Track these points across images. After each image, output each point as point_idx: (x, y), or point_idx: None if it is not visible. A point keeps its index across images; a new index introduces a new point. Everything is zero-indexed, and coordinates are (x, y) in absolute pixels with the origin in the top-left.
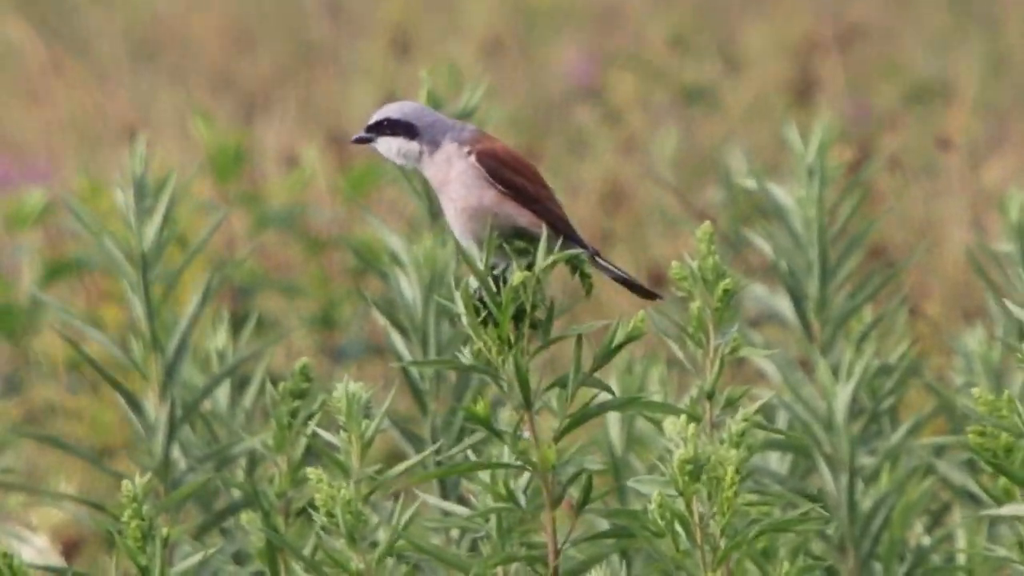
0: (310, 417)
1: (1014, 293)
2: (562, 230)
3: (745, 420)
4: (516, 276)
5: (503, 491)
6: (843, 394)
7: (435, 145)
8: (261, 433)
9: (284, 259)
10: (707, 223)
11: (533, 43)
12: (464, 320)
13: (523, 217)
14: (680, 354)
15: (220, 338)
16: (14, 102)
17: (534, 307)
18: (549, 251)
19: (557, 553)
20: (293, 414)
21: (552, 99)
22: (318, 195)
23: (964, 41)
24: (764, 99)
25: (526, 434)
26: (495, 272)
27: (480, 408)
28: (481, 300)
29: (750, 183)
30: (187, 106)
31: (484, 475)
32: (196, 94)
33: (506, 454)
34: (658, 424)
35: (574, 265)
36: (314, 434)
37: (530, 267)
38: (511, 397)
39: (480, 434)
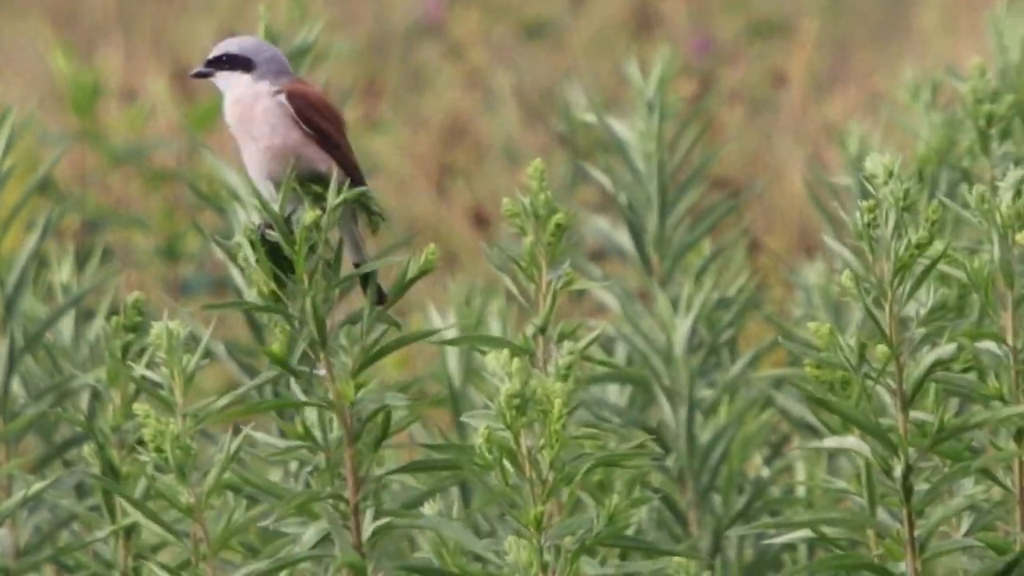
0: (142, 352)
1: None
2: (355, 178)
3: (571, 353)
4: (308, 215)
5: (301, 429)
6: (682, 326)
7: (259, 81)
8: (103, 367)
9: (129, 193)
10: (538, 160)
11: None
12: (250, 259)
13: (323, 162)
14: (514, 289)
15: (65, 271)
16: None
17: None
18: (339, 192)
19: (357, 489)
20: (126, 348)
21: (395, 34)
22: (162, 130)
23: None
24: (606, 34)
25: (322, 372)
26: (289, 213)
27: (276, 348)
28: (264, 238)
29: (590, 117)
30: (31, 37)
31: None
32: (40, 25)
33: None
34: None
35: (364, 207)
36: (140, 373)
37: (323, 209)
38: (305, 335)
39: (274, 372)
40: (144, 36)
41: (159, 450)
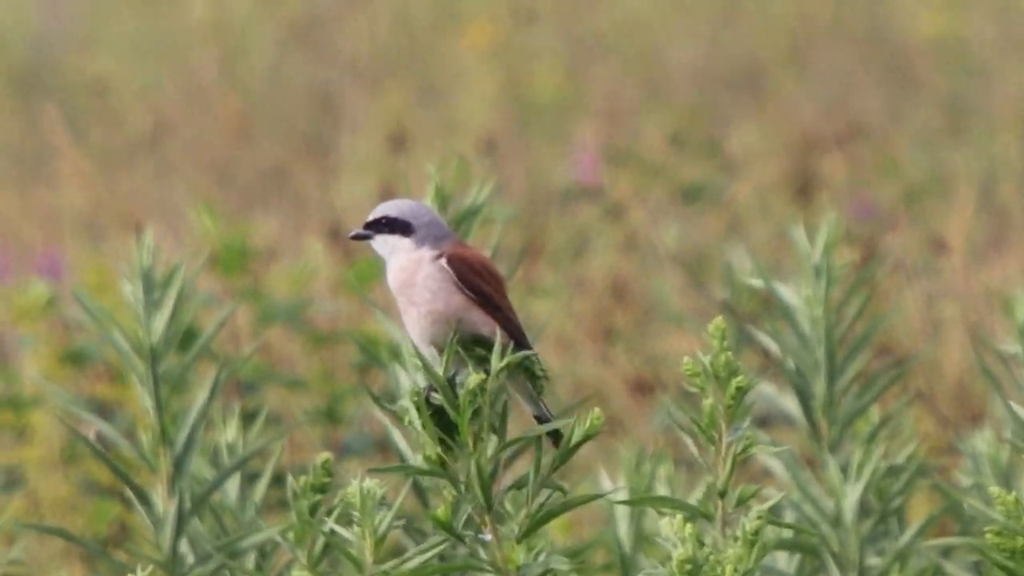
0: (330, 512)
1: (1020, 394)
2: (518, 340)
3: (759, 518)
4: (472, 379)
5: None
6: (852, 494)
7: (420, 246)
8: (271, 526)
9: (287, 353)
10: (719, 318)
11: (530, 139)
12: (415, 423)
13: (486, 325)
14: (693, 450)
15: (230, 432)
16: (16, 191)
17: (491, 409)
18: (503, 355)
19: None
20: (313, 508)
21: (551, 195)
22: (320, 289)
23: (961, 140)
24: (765, 197)
25: (488, 536)
26: (452, 376)
27: (441, 513)
28: (428, 402)
29: (756, 282)
30: (187, 198)
31: None
32: (195, 186)
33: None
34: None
35: (528, 370)
36: (331, 530)
37: (487, 372)
38: (471, 500)
39: (441, 538)
40: (301, 196)
41: None
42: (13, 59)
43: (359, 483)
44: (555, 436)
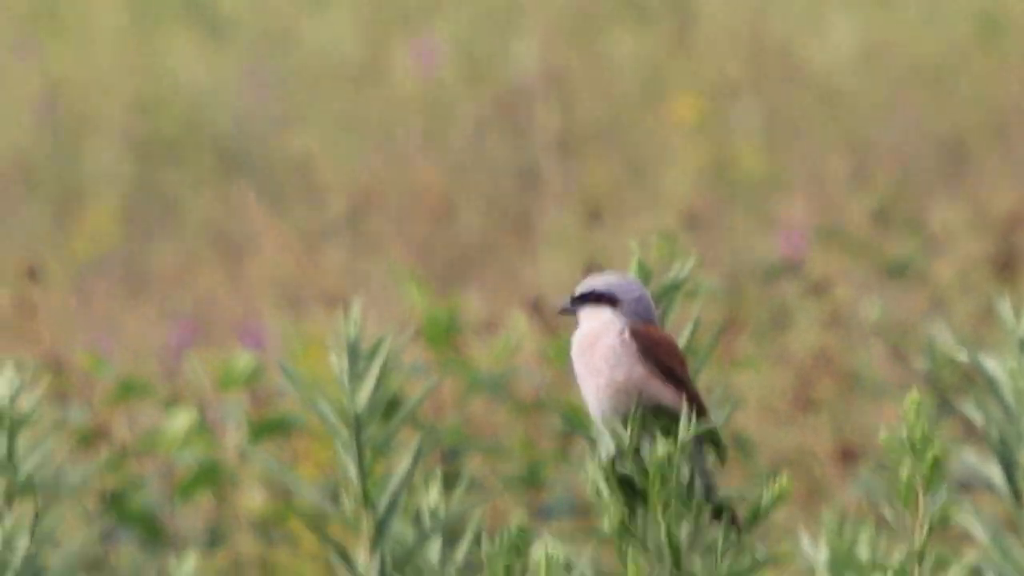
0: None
1: None
2: (703, 414)
3: None
4: (660, 448)
5: None
6: None
7: (621, 319)
8: None
9: (490, 421)
10: (915, 392)
11: (733, 214)
12: (604, 493)
13: (668, 396)
14: (889, 518)
15: (433, 495)
16: (218, 266)
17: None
18: (688, 426)
19: None
20: (507, 570)
21: (754, 271)
22: (524, 360)
23: None
24: (967, 274)
25: None
26: (637, 447)
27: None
28: (613, 471)
29: (961, 355)
30: (390, 273)
31: None
32: (398, 261)
33: None
34: None
35: (713, 441)
36: None
37: (672, 442)
38: (661, 567)
39: None
40: (503, 269)
41: None
42: (217, 136)
43: (544, 546)
44: (732, 519)
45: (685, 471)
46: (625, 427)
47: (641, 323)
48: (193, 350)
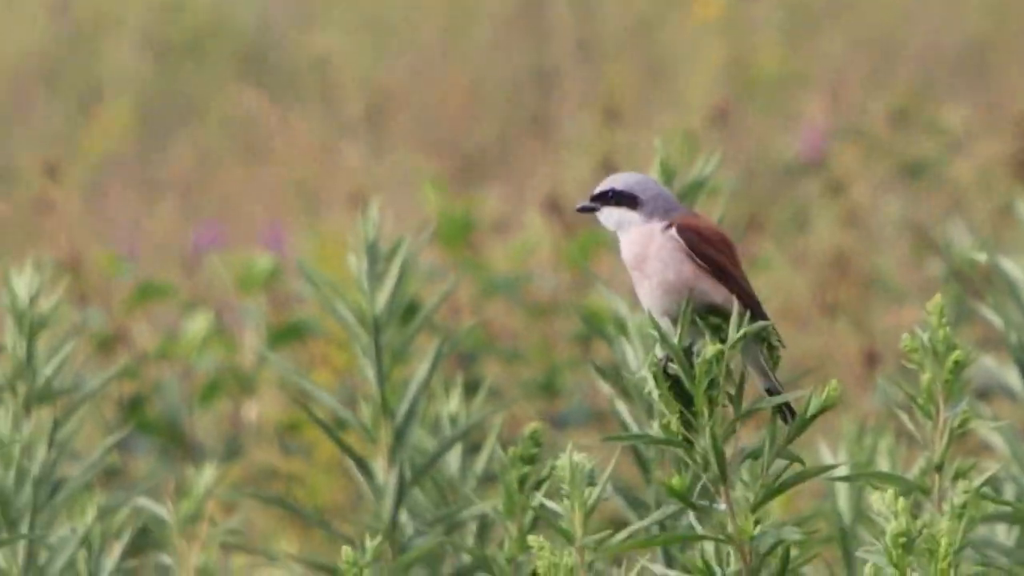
0: (539, 484)
1: None
2: (754, 309)
3: (966, 492)
4: (709, 349)
5: (700, 563)
6: None
7: (649, 218)
8: (491, 499)
9: (507, 325)
10: (937, 295)
11: (753, 113)
12: (655, 394)
13: (719, 294)
14: (909, 425)
15: (453, 402)
16: (239, 166)
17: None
18: (740, 325)
19: None
20: (522, 479)
21: (775, 169)
22: (541, 262)
23: None
24: (986, 174)
25: (722, 506)
26: (688, 347)
27: (676, 482)
28: (666, 372)
29: (979, 256)
30: (409, 171)
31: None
32: (418, 162)
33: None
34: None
35: (764, 340)
36: (540, 503)
37: (723, 341)
38: (705, 469)
39: (673, 507)
40: (523, 170)
41: None
42: (236, 36)
43: (568, 455)
44: (784, 410)
45: (736, 371)
46: (676, 326)
47: (690, 217)
48: (213, 252)
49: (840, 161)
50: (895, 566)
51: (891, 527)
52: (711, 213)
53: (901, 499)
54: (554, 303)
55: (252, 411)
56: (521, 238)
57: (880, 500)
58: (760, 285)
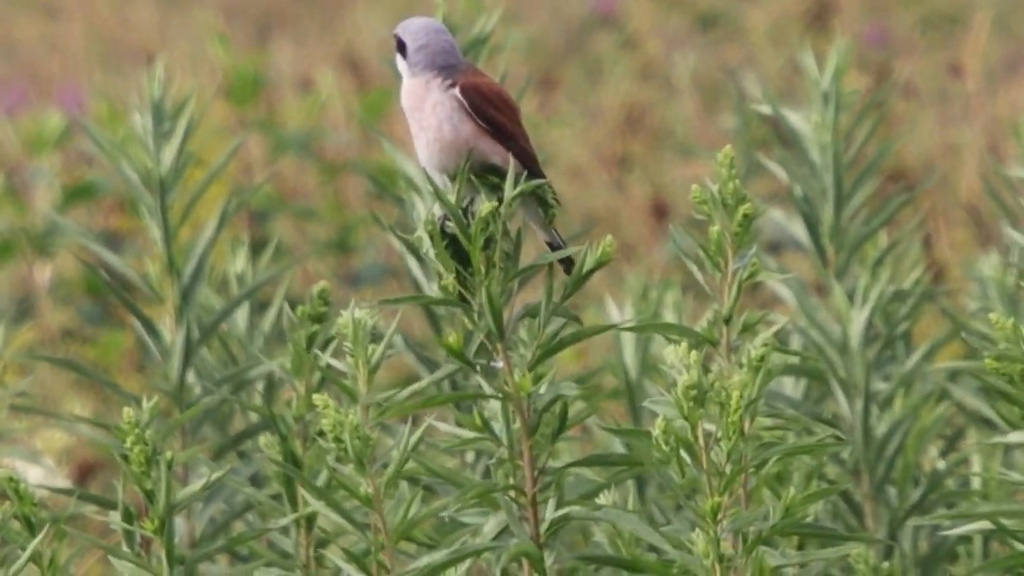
0: (327, 342)
1: None
2: (531, 168)
3: (765, 345)
4: (485, 207)
5: (479, 421)
6: (858, 319)
7: (418, 68)
8: (279, 357)
9: (300, 183)
10: (728, 147)
11: None
12: (430, 252)
13: (497, 154)
14: (699, 277)
15: (239, 261)
16: (31, 20)
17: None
18: (516, 183)
19: (535, 481)
20: (311, 338)
21: (570, 24)
22: (334, 119)
23: None
24: (780, 26)
25: (500, 364)
26: (465, 205)
27: (453, 340)
28: (443, 231)
29: (765, 108)
30: (202, 30)
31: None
32: (210, 17)
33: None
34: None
35: (540, 198)
36: (325, 362)
37: (499, 200)
38: (482, 329)
39: (452, 366)
40: (316, 26)
41: (338, 440)
42: None
43: (351, 313)
44: (567, 263)
45: (513, 229)
46: (454, 184)
47: (472, 77)
48: (11, 113)
49: (634, 14)
50: (686, 418)
51: (682, 380)
52: (495, 70)
53: (693, 352)
54: (346, 160)
55: (45, 272)
56: (312, 95)
57: (673, 352)
58: (554, 140)
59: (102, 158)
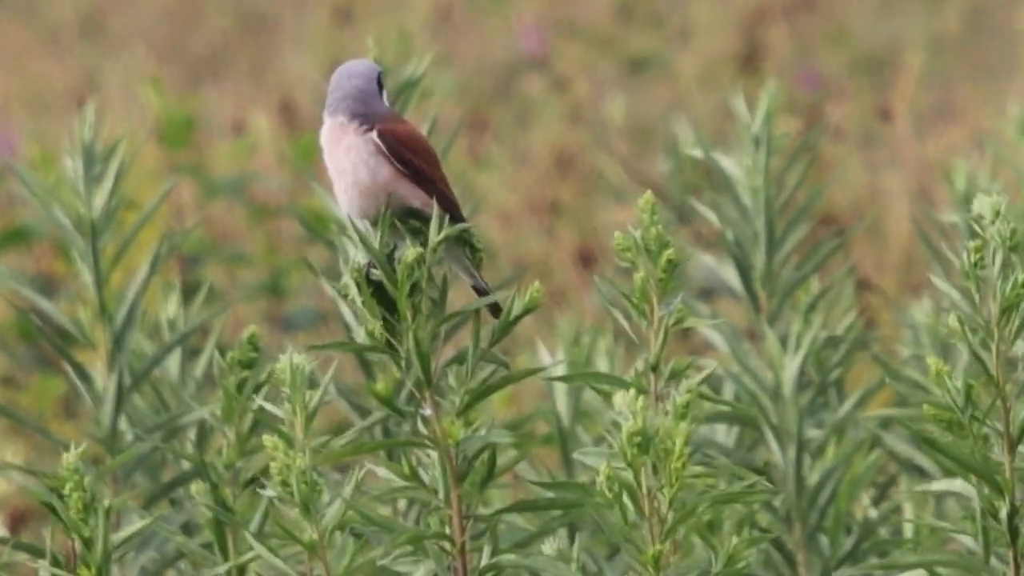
0: (258, 388)
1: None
2: (452, 212)
3: (689, 392)
4: (410, 253)
5: (407, 470)
6: (791, 365)
7: (330, 110)
8: (211, 403)
9: (231, 227)
10: (649, 192)
11: (480, 13)
12: (356, 300)
13: (417, 198)
14: (625, 324)
15: (171, 307)
16: None
17: (429, 282)
18: (440, 228)
19: (463, 529)
20: (241, 384)
21: (500, 68)
22: (266, 163)
23: (909, 10)
24: (712, 69)
25: (427, 411)
26: (388, 251)
27: (381, 387)
28: (368, 277)
29: (696, 152)
30: (134, 74)
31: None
32: (143, 63)
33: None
34: (605, 396)
35: (466, 243)
36: (260, 406)
37: (423, 245)
38: (410, 375)
39: (381, 413)
40: (249, 71)
41: (285, 484)
42: None
43: (288, 357)
44: (495, 309)
45: (439, 275)
46: (376, 230)
47: (393, 122)
48: None
49: (563, 56)
50: (630, 465)
51: (628, 425)
52: (425, 114)
53: (640, 398)
54: (278, 204)
55: None
56: (242, 139)
57: (620, 398)
58: (483, 185)
59: (34, 202)
